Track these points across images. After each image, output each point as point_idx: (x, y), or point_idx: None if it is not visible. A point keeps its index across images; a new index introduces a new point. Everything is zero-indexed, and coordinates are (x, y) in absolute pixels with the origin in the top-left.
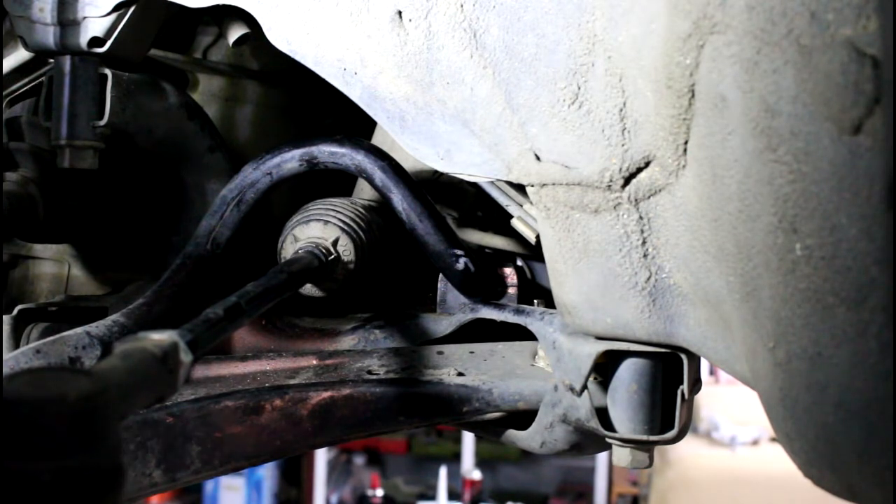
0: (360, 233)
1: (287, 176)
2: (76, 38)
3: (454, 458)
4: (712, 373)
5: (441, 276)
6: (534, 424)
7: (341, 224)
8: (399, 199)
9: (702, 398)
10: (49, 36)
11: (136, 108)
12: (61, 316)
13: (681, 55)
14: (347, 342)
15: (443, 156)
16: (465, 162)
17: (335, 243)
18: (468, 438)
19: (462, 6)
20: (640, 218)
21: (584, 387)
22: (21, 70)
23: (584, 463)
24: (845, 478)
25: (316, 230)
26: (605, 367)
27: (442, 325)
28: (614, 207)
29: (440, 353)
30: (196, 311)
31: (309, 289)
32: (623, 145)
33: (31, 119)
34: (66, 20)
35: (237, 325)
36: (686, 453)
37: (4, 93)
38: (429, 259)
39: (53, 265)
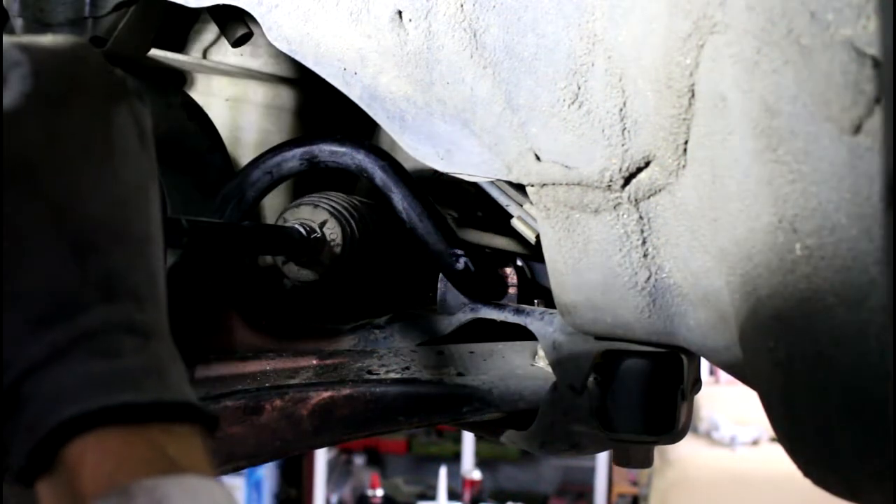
0: (351, 220)
1: (287, 175)
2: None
3: (454, 458)
4: (712, 373)
5: (441, 275)
6: (534, 424)
7: (330, 208)
8: (399, 199)
9: (702, 398)
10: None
11: None
12: None
13: (681, 55)
14: (347, 342)
15: (443, 156)
16: (465, 162)
17: (322, 225)
18: (468, 438)
19: (462, 6)
20: (640, 218)
21: (584, 387)
22: None
23: (584, 463)
24: (845, 478)
25: (305, 213)
26: (605, 367)
27: (442, 325)
28: (614, 207)
29: (440, 353)
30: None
31: (295, 271)
32: (623, 145)
33: None
34: (67, 20)
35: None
36: (686, 453)
37: None
38: (429, 259)
39: None
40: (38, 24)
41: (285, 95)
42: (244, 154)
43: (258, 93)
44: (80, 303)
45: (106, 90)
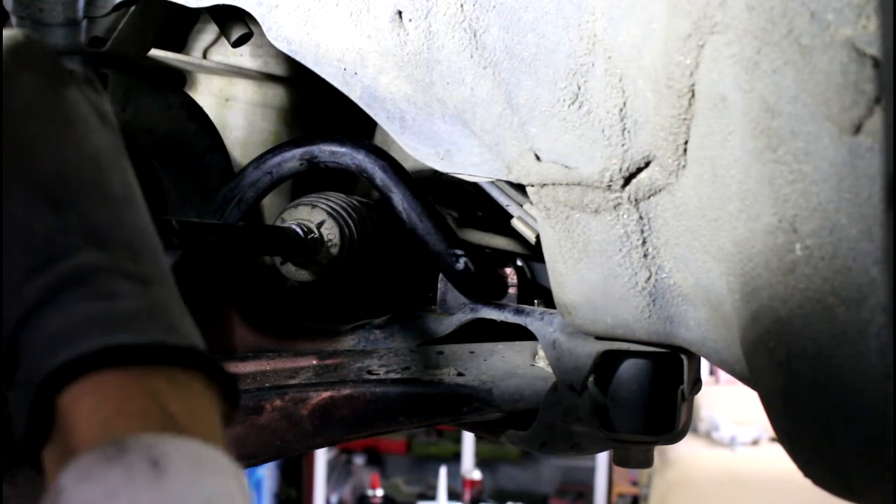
0: (349, 221)
1: (287, 175)
2: (77, 37)
3: (454, 458)
4: (712, 373)
5: (441, 275)
6: (534, 424)
7: (328, 209)
8: (399, 199)
9: (702, 398)
10: (49, 36)
11: (137, 108)
12: None
13: (681, 55)
14: (347, 342)
15: (443, 156)
16: (465, 162)
17: (320, 225)
18: (468, 438)
19: (462, 6)
20: (640, 218)
21: (584, 387)
22: None
23: (584, 463)
24: (845, 478)
25: (303, 213)
26: (605, 367)
27: (442, 325)
28: (614, 207)
29: (440, 353)
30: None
31: (293, 272)
32: (623, 145)
33: None
34: (67, 20)
35: None
36: (686, 453)
37: None
38: (429, 259)
39: None
40: (37, 23)
41: (285, 96)
42: (244, 154)
43: (258, 93)
44: (65, 248)
45: (51, 72)
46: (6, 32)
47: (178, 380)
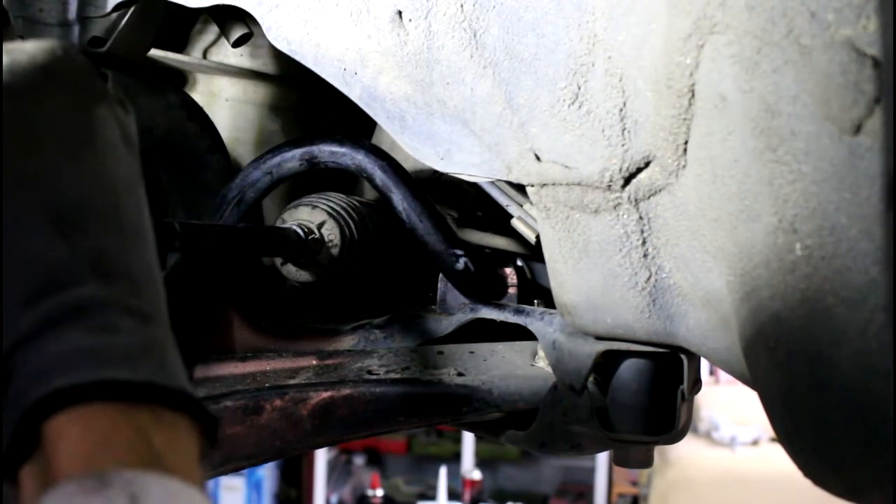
0: (350, 221)
1: (287, 175)
2: (76, 37)
3: (454, 458)
4: (712, 373)
5: (441, 275)
6: (534, 424)
7: (329, 209)
8: (399, 199)
9: (702, 398)
10: (48, 36)
11: (137, 108)
12: None
13: (681, 55)
14: (347, 342)
15: (443, 156)
16: (465, 162)
17: (320, 226)
18: (468, 438)
19: (462, 6)
20: (640, 218)
21: (584, 387)
22: None
23: (584, 463)
24: (845, 478)
25: (304, 213)
26: (605, 367)
27: (442, 325)
28: (614, 207)
29: (440, 353)
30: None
31: (294, 272)
32: (623, 145)
33: None
34: (66, 20)
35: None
36: (686, 453)
37: None
38: (429, 259)
39: None
40: (38, 23)
41: (285, 95)
42: (245, 154)
43: (258, 93)
44: (71, 277)
45: (83, 88)
46: (43, 44)
47: (164, 419)
